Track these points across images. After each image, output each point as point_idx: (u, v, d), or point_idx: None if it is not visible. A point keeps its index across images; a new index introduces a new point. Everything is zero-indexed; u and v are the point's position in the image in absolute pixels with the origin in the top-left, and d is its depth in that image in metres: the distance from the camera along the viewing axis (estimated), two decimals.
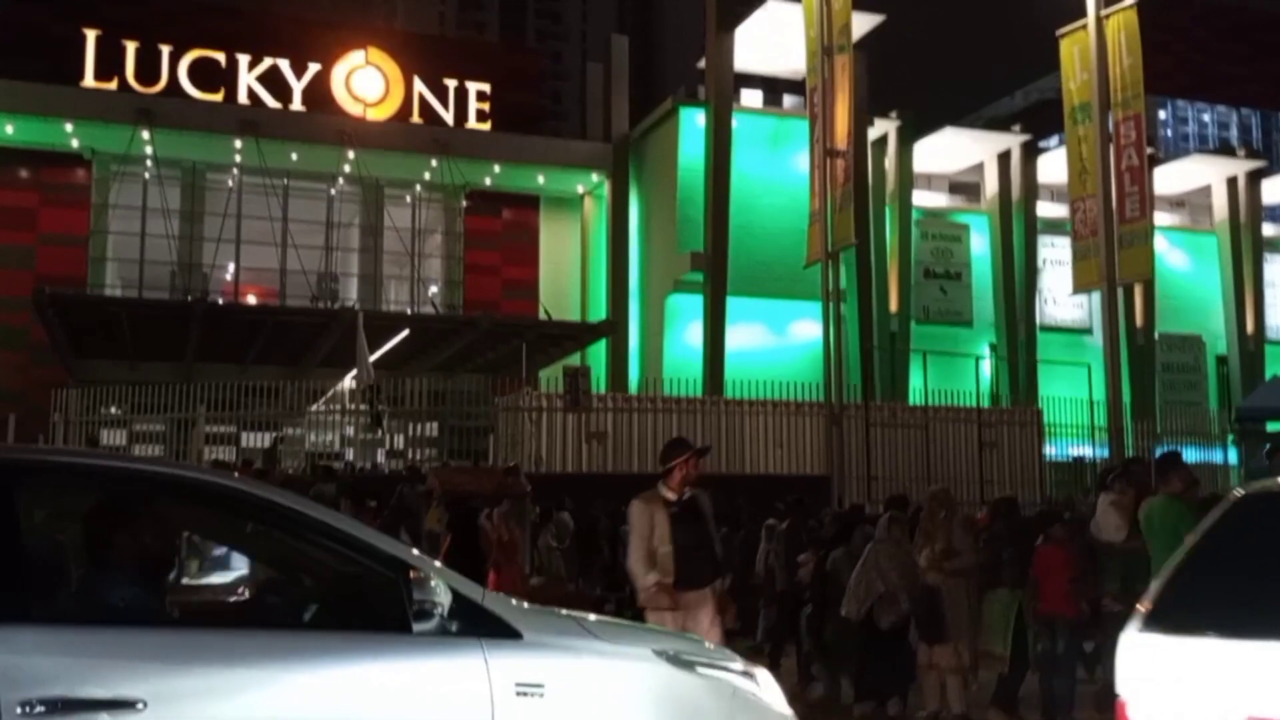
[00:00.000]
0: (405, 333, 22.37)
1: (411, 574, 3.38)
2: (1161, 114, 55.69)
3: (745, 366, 30.66)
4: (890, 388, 35.03)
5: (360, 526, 3.67)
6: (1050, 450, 22.70)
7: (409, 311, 31.73)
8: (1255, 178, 40.43)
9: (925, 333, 37.28)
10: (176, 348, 25.16)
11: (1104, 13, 16.08)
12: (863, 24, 31.48)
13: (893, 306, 36.25)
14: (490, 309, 33.66)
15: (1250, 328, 39.65)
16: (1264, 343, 39.64)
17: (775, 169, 32.64)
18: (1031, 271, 38.05)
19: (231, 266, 32.32)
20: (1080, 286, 17.80)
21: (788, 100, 33.86)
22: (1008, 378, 37.69)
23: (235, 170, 31.23)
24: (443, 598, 3.38)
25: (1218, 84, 52.54)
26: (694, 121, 31.85)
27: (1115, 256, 15.63)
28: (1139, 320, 38.87)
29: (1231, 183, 40.29)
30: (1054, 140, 39.79)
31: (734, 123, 31.48)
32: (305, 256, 32.46)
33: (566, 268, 35.36)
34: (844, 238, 18.10)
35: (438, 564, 3.67)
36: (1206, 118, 55.11)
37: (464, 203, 33.98)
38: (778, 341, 33.02)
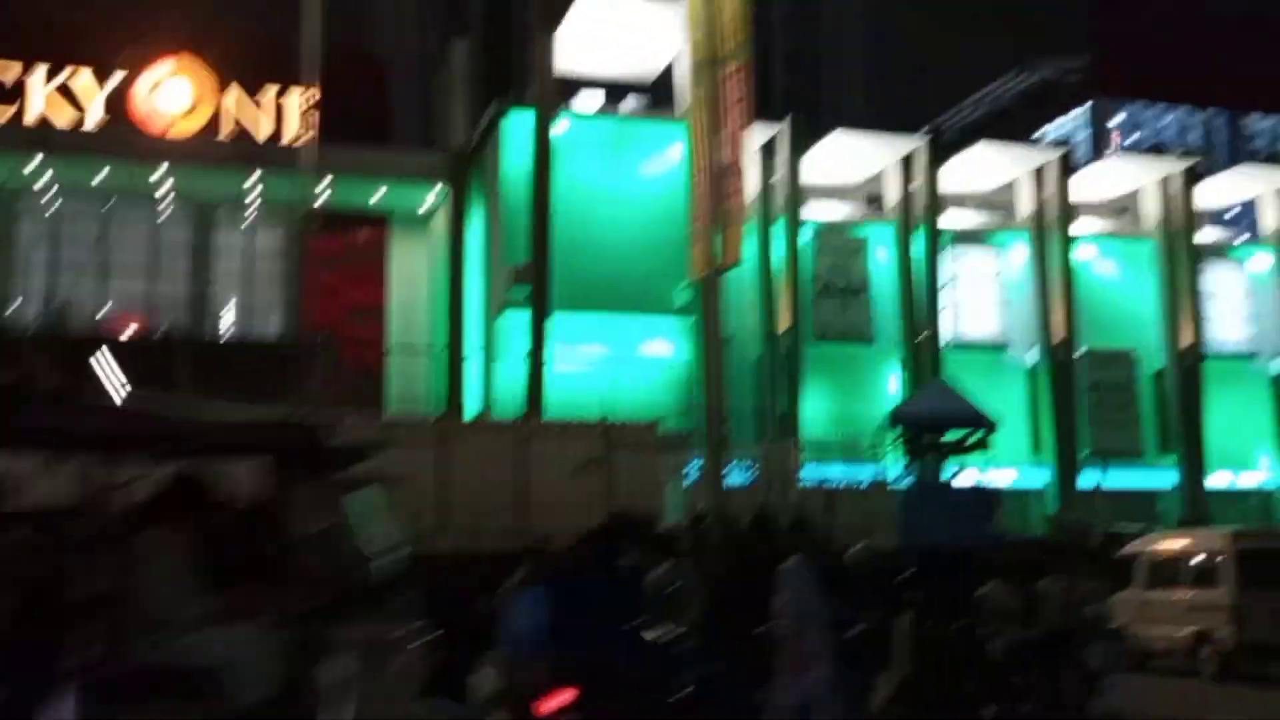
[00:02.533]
0: (102, 349, 20.31)
1: None
2: (1118, 118, 51.98)
3: (587, 388, 28.19)
4: (774, 411, 32.41)
5: None
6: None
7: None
8: (1191, 178, 36.96)
9: (823, 352, 34.52)
10: None
11: None
12: None
13: (783, 324, 33.45)
14: (333, 332, 31.74)
15: (1187, 341, 36.07)
16: (1202, 358, 36.03)
17: (616, 176, 30.25)
18: (934, 284, 34.95)
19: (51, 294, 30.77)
20: (694, 276, 15.09)
21: (629, 103, 31.48)
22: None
23: (42, 191, 29.66)
24: None
25: (1181, 84, 48.84)
26: (524, 126, 29.56)
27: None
28: (1060, 334, 35.63)
29: (1165, 184, 36.91)
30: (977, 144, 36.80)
31: (565, 125, 29.16)
32: (131, 282, 30.90)
33: (417, 289, 33.21)
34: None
35: None
36: (1168, 119, 51.25)
37: (307, 223, 32.07)
38: (624, 360, 30.45)
